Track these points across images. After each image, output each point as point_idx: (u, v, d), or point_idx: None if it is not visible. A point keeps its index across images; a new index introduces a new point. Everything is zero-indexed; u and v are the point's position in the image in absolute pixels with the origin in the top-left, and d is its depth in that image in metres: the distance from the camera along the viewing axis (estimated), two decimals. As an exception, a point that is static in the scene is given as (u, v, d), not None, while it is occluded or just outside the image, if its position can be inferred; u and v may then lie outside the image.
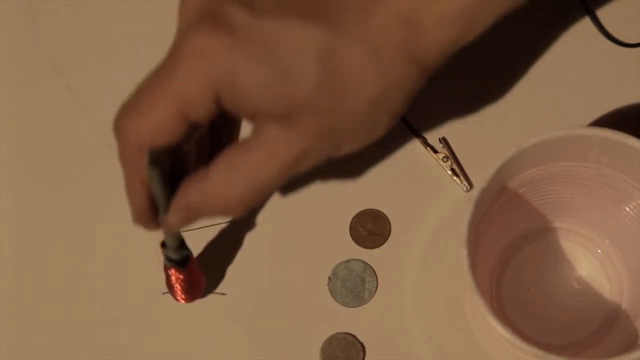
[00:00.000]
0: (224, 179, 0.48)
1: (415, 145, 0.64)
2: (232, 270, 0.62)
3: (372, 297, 0.62)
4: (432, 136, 0.64)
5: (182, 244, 0.56)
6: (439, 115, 0.64)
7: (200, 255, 0.62)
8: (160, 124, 0.47)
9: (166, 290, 0.61)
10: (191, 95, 0.46)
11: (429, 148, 0.64)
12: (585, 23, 0.65)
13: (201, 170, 0.49)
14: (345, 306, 0.62)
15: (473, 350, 0.60)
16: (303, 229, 0.63)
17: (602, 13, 0.65)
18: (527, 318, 0.60)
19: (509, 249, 0.61)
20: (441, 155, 0.63)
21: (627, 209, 0.57)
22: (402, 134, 0.64)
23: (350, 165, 0.63)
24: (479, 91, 0.65)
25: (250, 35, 0.46)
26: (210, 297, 0.62)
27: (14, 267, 0.63)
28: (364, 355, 0.61)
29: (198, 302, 0.62)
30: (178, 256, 0.57)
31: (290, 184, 0.63)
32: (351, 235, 0.63)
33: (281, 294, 0.62)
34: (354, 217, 0.63)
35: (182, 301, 0.60)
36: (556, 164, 0.56)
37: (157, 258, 0.58)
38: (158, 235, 0.54)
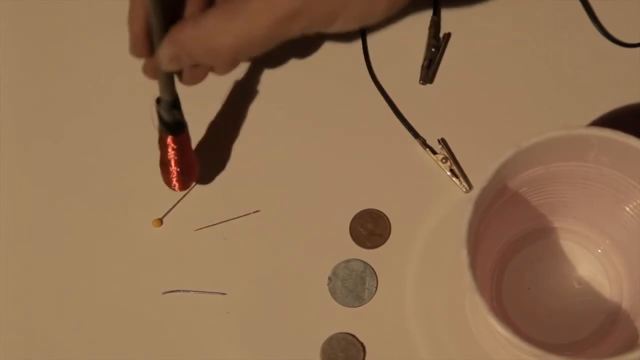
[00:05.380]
0: (220, 19, 0.51)
1: (414, 146, 0.64)
2: (232, 270, 0.62)
3: (372, 297, 0.62)
4: (431, 137, 0.64)
5: (176, 103, 0.57)
6: (438, 117, 0.64)
7: (199, 249, 0.63)
8: None
9: (167, 290, 0.61)
10: None
11: (428, 149, 0.64)
12: (585, 23, 0.65)
13: (200, 12, 0.52)
14: (345, 306, 0.62)
15: (473, 350, 0.60)
16: (303, 229, 0.63)
17: (602, 13, 0.65)
18: (527, 318, 0.60)
19: (509, 249, 0.61)
20: (440, 156, 0.63)
21: (627, 209, 0.58)
22: (402, 135, 0.64)
23: (350, 165, 0.63)
24: (478, 92, 0.65)
25: None
26: (209, 297, 0.62)
27: (13, 266, 0.63)
28: (364, 355, 0.61)
29: (198, 303, 0.62)
30: (171, 117, 0.57)
31: (291, 184, 0.63)
32: (351, 235, 0.63)
33: (281, 294, 0.62)
34: (354, 217, 0.63)
35: (177, 186, 0.60)
36: (556, 163, 0.56)
37: (153, 124, 0.58)
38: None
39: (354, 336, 0.61)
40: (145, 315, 0.62)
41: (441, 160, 0.63)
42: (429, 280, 0.62)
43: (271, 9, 0.50)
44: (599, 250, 0.61)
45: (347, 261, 0.62)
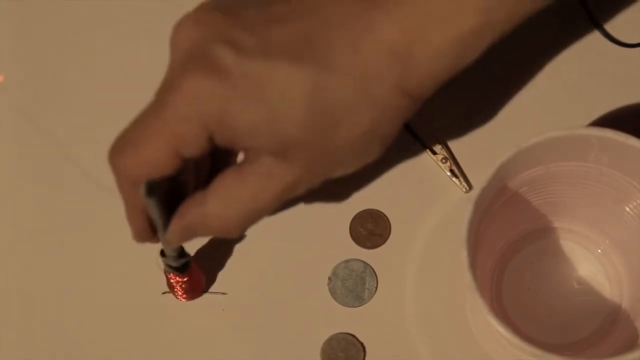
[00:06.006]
0: (221, 204, 0.50)
1: (414, 146, 0.64)
2: (232, 270, 0.62)
3: (372, 297, 0.62)
4: (431, 137, 0.64)
5: (181, 253, 0.57)
6: (438, 117, 0.64)
7: (199, 253, 0.62)
8: (154, 161, 0.49)
9: (166, 290, 0.61)
10: (184, 135, 0.48)
11: (428, 149, 0.64)
12: (586, 23, 0.65)
13: (199, 194, 0.51)
14: (345, 306, 0.62)
15: (473, 350, 0.60)
16: (303, 229, 0.63)
17: (602, 13, 0.65)
18: (527, 318, 0.60)
19: (509, 249, 0.61)
20: (440, 157, 0.63)
21: (627, 209, 0.57)
22: (401, 135, 0.64)
23: (350, 165, 0.63)
24: (478, 92, 0.65)
25: (239, 76, 0.47)
26: (209, 297, 0.62)
27: (13, 266, 0.63)
28: (364, 355, 0.61)
29: (198, 302, 0.62)
30: (178, 264, 0.58)
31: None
32: (351, 235, 0.63)
33: (281, 294, 0.62)
34: (354, 217, 0.63)
35: (183, 300, 0.61)
36: (556, 163, 0.56)
37: (157, 264, 0.58)
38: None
39: (354, 336, 0.61)
40: (145, 315, 0.62)
41: (441, 160, 0.63)
42: (429, 280, 0.62)
43: (269, 186, 0.49)
44: (599, 250, 0.61)
45: (347, 261, 0.62)
